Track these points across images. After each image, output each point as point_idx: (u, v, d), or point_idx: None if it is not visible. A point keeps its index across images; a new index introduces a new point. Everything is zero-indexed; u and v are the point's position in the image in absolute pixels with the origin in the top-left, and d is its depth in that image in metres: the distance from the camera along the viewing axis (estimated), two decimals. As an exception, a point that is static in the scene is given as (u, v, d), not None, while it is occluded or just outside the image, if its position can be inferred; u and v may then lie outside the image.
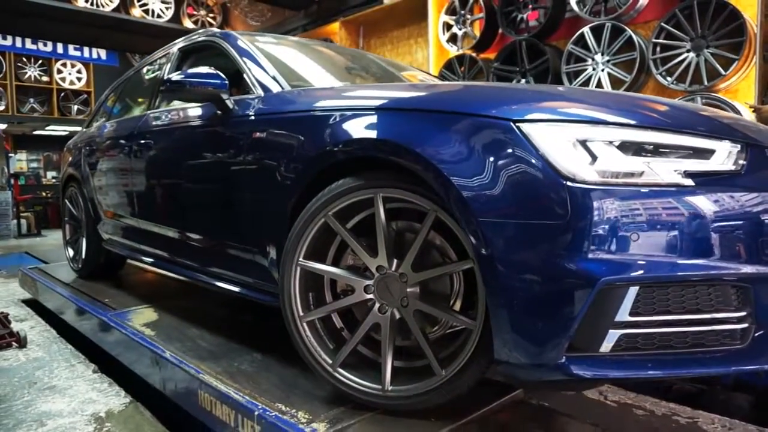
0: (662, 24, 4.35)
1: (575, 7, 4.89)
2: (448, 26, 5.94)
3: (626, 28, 4.58)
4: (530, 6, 5.33)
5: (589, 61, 4.79)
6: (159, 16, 9.77)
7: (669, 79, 4.34)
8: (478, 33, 5.68)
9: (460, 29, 5.84)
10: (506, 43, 5.47)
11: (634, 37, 4.52)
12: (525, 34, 5.29)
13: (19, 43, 10.91)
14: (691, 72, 4.23)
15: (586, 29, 4.78)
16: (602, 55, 4.73)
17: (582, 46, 4.84)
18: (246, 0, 9.73)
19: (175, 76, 2.32)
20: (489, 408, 1.82)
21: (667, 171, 1.37)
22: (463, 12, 5.78)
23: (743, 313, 1.37)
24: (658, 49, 4.40)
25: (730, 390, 2.30)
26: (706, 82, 4.16)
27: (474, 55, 5.73)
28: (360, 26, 7.26)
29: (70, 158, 4.40)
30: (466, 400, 1.78)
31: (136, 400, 2.64)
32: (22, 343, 3.46)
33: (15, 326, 3.71)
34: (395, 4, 6.53)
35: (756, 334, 1.39)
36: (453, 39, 5.92)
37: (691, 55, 4.27)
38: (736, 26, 4.04)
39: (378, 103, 1.77)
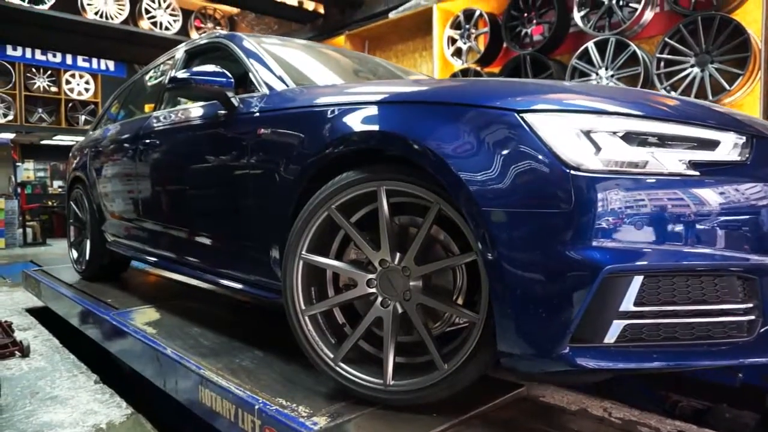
0: (666, 39, 4.38)
1: (579, 22, 4.93)
2: (452, 40, 5.99)
3: (630, 42, 4.61)
4: (534, 21, 5.37)
5: (593, 76, 4.81)
6: (167, 29, 9.89)
7: (673, 93, 4.35)
8: (482, 47, 5.72)
9: (464, 43, 5.88)
10: (510, 58, 5.51)
11: (638, 51, 4.55)
12: (529, 49, 5.33)
13: (28, 54, 11.01)
14: (696, 87, 4.25)
15: (590, 44, 4.81)
16: (606, 69, 4.75)
17: (586, 60, 4.86)
18: (253, 14, 9.85)
19: (181, 74, 2.34)
20: (492, 404, 1.81)
21: (671, 161, 1.37)
22: (467, 26, 5.83)
23: (749, 305, 1.36)
24: (662, 64, 4.42)
25: (737, 408, 2.28)
26: (710, 97, 4.17)
27: (478, 69, 5.77)
28: (365, 40, 7.33)
29: (76, 161, 4.42)
30: (468, 397, 1.77)
31: (138, 411, 2.63)
32: (25, 352, 3.44)
33: (18, 335, 3.70)
34: (400, 18, 6.59)
35: (762, 329, 1.39)
36: (458, 53, 5.96)
37: (696, 70, 4.29)
38: (741, 41, 4.06)
39: (383, 96, 1.79)
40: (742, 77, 4.06)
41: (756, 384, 2.16)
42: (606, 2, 4.76)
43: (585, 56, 4.86)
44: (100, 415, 2.57)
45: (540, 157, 1.38)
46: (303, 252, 1.86)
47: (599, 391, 2.05)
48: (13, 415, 2.56)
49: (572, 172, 1.34)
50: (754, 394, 2.25)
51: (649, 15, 4.67)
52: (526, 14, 5.42)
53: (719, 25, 4.15)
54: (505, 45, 5.62)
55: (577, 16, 4.93)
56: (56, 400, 2.75)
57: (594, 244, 1.32)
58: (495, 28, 5.59)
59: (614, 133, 1.39)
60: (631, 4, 4.67)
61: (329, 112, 1.89)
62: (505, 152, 1.43)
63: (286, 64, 2.52)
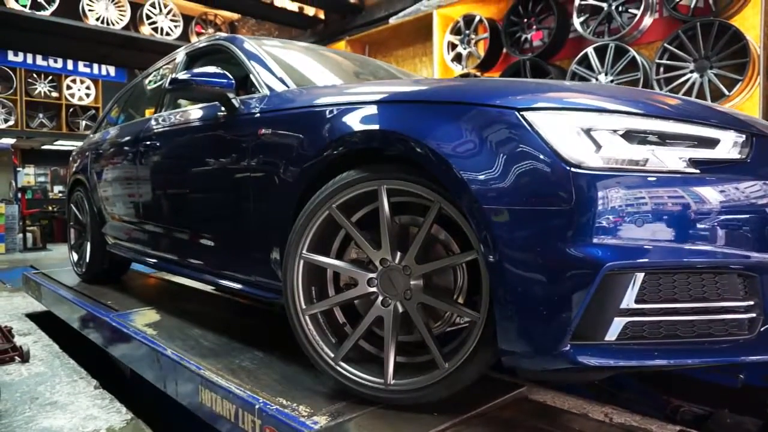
0: (665, 45, 4.40)
1: (579, 28, 4.96)
2: (452, 46, 6.02)
3: (630, 48, 4.63)
4: (534, 26, 5.40)
5: (593, 81, 4.83)
6: (168, 34, 9.94)
7: (672, 97, 4.36)
8: (482, 53, 5.75)
9: (464, 49, 5.91)
10: (510, 63, 5.54)
11: (638, 57, 4.57)
12: (529, 54, 5.36)
13: (30, 60, 11.05)
14: (695, 92, 4.26)
15: (589, 49, 4.83)
16: (606, 75, 4.77)
17: (586, 66, 4.89)
18: (253, 19, 9.89)
19: (182, 75, 2.35)
20: (492, 404, 1.80)
21: (671, 159, 1.38)
22: (467, 32, 5.86)
23: (750, 303, 1.36)
24: (661, 69, 4.44)
25: (739, 413, 2.27)
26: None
27: (478, 74, 5.79)
28: (365, 45, 7.36)
29: (77, 164, 4.43)
30: (469, 397, 1.77)
31: (138, 417, 2.62)
32: (24, 357, 3.43)
33: (18, 340, 3.69)
34: (400, 23, 6.62)
35: (763, 328, 1.39)
36: (458, 58, 5.99)
37: (695, 75, 4.31)
38: (740, 47, 4.08)
39: (383, 96, 1.79)
40: (741, 83, 4.08)
41: (757, 384, 2.16)
42: (605, 8, 4.79)
43: (584, 61, 4.88)
44: (100, 421, 2.55)
45: (540, 155, 1.38)
46: (304, 251, 1.86)
47: (600, 397, 2.04)
48: (13, 421, 2.55)
49: (573, 169, 1.35)
50: (756, 397, 2.25)
51: (648, 21, 4.70)
52: (525, 20, 5.45)
53: (718, 31, 4.17)
54: (504, 50, 5.65)
55: (576, 21, 4.96)
56: (56, 406, 2.73)
57: (595, 241, 1.33)
58: (495, 33, 5.62)
59: (614, 131, 1.39)
60: (630, 10, 4.70)
61: (330, 112, 1.90)
62: (505, 150, 1.43)
63: (287, 66, 2.53)
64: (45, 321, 4.47)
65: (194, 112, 2.75)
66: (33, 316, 4.79)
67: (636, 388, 2.35)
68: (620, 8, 4.74)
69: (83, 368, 3.31)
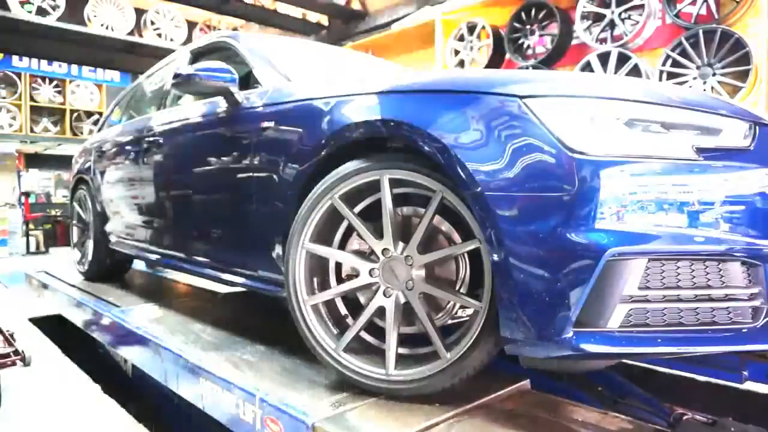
0: (668, 52, 4.40)
1: (582, 35, 4.97)
2: (455, 52, 6.03)
3: (632, 55, 4.63)
4: (537, 33, 5.42)
5: (596, 86, 4.83)
6: (171, 40, 9.98)
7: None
8: (485, 59, 5.77)
9: (467, 55, 5.93)
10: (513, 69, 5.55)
11: (641, 64, 4.57)
12: (532, 60, 5.38)
13: (34, 65, 11.11)
14: (697, 98, 4.26)
15: (592, 56, 4.84)
16: (608, 81, 4.76)
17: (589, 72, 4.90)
18: (257, 25, 9.94)
19: (186, 70, 2.36)
20: (495, 396, 1.79)
21: (674, 146, 1.38)
22: (470, 38, 5.88)
23: (754, 291, 1.36)
24: (664, 76, 4.44)
25: (743, 421, 2.26)
26: (712, 108, 4.18)
27: (482, 80, 5.80)
28: (369, 51, 7.37)
29: (80, 162, 4.44)
30: (471, 389, 1.76)
31: (139, 421, 2.61)
32: (26, 361, 3.41)
33: (20, 344, 3.67)
34: (404, 30, 6.65)
35: (767, 318, 1.38)
36: (461, 64, 6.00)
37: (698, 82, 4.31)
38: (742, 54, 4.09)
39: (387, 86, 1.80)
40: (744, 90, 4.09)
41: (760, 381, 2.15)
42: (608, 15, 4.81)
43: (587, 68, 4.88)
44: (101, 426, 2.54)
45: (543, 142, 1.39)
46: (306, 242, 1.86)
47: (602, 403, 2.03)
48: (13, 426, 2.54)
49: (576, 156, 1.35)
50: (759, 404, 2.23)
51: (651, 28, 4.70)
52: (528, 26, 5.47)
53: (721, 38, 4.18)
54: (507, 57, 5.66)
55: (579, 28, 4.98)
56: (57, 411, 2.72)
57: (597, 227, 1.33)
58: (497, 40, 5.64)
59: (617, 118, 1.40)
60: (633, 17, 4.71)
61: (332, 104, 1.90)
62: (508, 138, 1.44)
63: (290, 62, 2.54)
64: (47, 325, 4.45)
65: (196, 108, 2.76)
66: (35, 321, 4.78)
67: (638, 395, 2.33)
68: (623, 15, 4.76)
69: (85, 373, 3.30)
